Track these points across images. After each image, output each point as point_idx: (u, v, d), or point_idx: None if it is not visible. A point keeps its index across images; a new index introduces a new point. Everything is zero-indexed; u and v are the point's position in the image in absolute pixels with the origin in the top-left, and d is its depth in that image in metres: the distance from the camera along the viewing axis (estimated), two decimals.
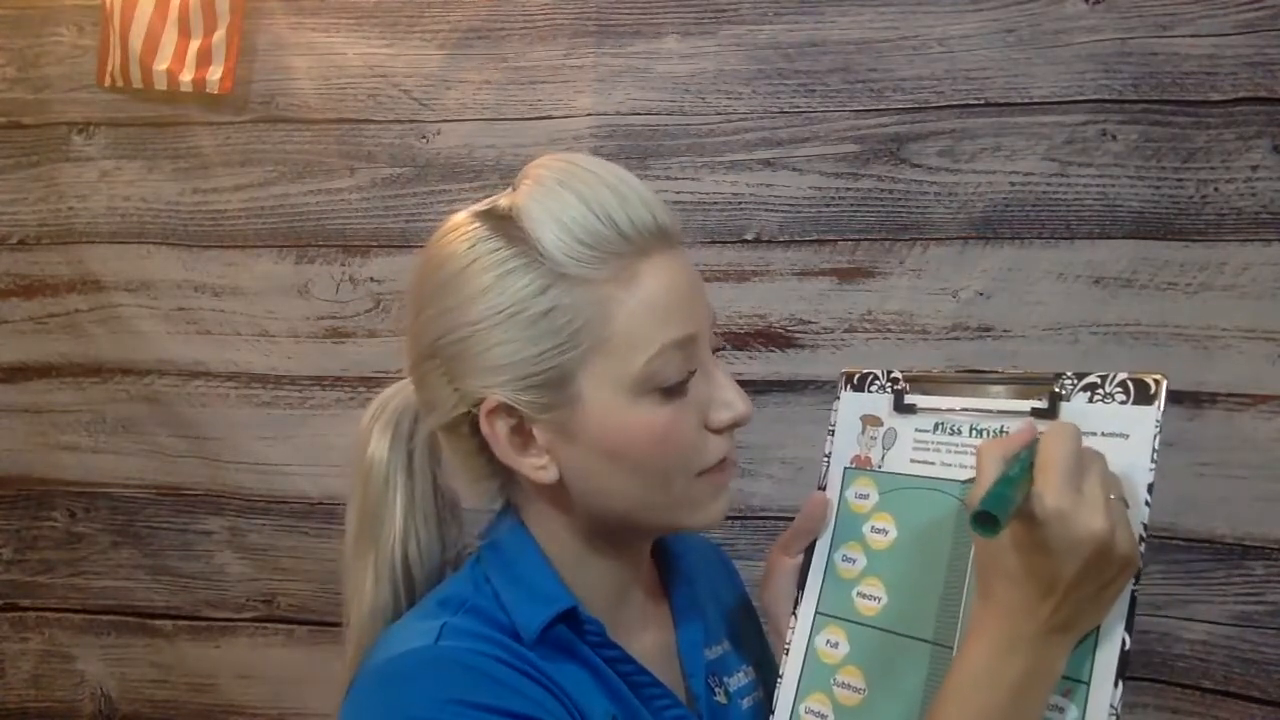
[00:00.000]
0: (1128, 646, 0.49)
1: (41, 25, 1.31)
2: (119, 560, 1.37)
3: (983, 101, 1.12)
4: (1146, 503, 0.50)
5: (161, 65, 1.26)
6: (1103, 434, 0.51)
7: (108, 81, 1.28)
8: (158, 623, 1.37)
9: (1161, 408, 0.51)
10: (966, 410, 0.59)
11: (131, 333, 1.32)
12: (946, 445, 0.60)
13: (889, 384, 0.63)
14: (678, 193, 1.18)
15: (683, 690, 0.65)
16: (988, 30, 1.11)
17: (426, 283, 0.60)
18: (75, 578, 1.38)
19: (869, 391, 0.65)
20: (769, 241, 1.17)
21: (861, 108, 1.14)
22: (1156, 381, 0.51)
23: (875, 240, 1.15)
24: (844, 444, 0.65)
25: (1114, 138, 1.09)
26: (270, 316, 1.29)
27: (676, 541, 0.73)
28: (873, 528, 0.62)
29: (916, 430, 0.61)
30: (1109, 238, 1.10)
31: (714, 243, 1.18)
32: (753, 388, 1.19)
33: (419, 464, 0.65)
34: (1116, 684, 0.49)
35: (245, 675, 1.36)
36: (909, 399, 0.62)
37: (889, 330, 1.16)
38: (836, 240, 1.16)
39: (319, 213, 1.27)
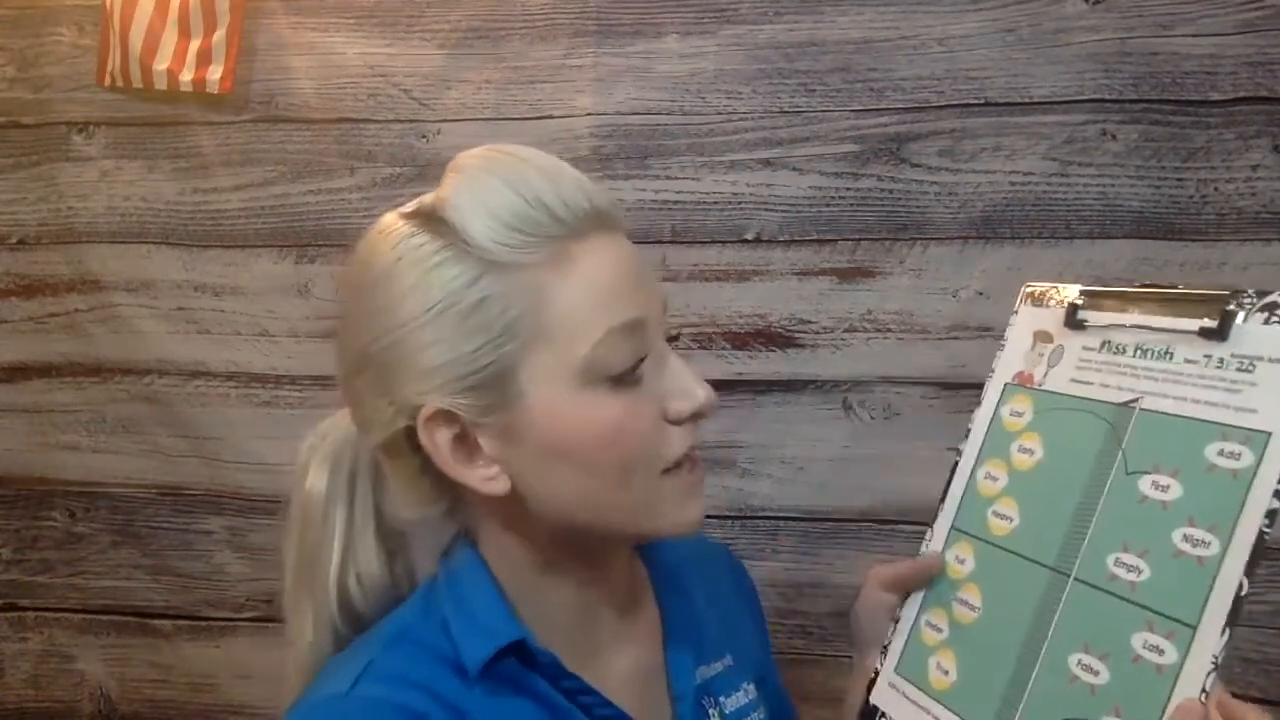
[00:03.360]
0: (1244, 591, 0.46)
1: (41, 25, 1.31)
2: (119, 560, 1.37)
3: (983, 101, 1.12)
4: None
5: (161, 65, 1.26)
6: (1269, 359, 0.49)
7: (108, 81, 1.28)
8: (157, 623, 1.37)
9: None
10: (1136, 327, 0.56)
11: (131, 333, 1.32)
12: (1108, 365, 0.57)
13: (1065, 298, 0.62)
14: (678, 193, 1.18)
15: (668, 714, 0.62)
16: (988, 30, 1.11)
17: (350, 289, 0.57)
18: (75, 578, 1.38)
19: (1047, 306, 0.63)
20: (769, 241, 1.17)
21: (861, 108, 1.14)
22: None
23: (875, 240, 1.15)
24: (1011, 359, 0.64)
25: (1114, 138, 1.10)
26: (270, 316, 1.29)
27: (675, 548, 0.68)
28: (1020, 447, 0.61)
29: (1083, 348, 0.59)
30: (1109, 238, 1.10)
31: (714, 243, 1.18)
32: (753, 388, 1.19)
33: (360, 496, 0.62)
34: (1224, 632, 0.46)
35: (245, 675, 1.36)
36: (1081, 314, 0.60)
37: (889, 330, 1.16)
38: (836, 240, 1.16)
39: (319, 213, 1.27)
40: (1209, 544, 0.48)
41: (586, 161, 1.19)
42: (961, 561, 0.61)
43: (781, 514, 1.21)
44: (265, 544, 1.33)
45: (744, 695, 0.67)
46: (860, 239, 1.16)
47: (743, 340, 1.19)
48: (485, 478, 0.54)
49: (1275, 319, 0.49)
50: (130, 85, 1.27)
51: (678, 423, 0.56)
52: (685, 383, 0.56)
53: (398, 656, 0.56)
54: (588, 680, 0.58)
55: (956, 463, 0.64)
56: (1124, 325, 0.57)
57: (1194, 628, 0.47)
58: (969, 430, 0.65)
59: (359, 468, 0.62)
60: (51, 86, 1.31)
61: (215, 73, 1.24)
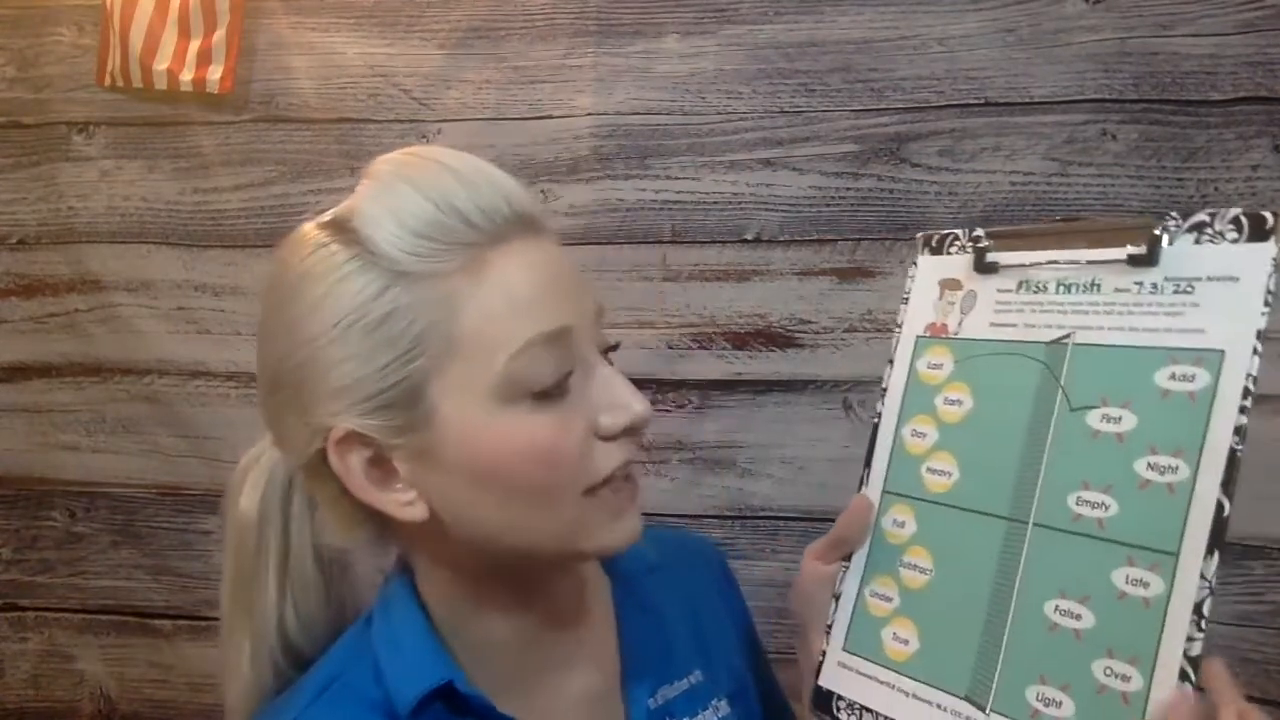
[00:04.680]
0: (1226, 512, 0.46)
1: (41, 25, 1.31)
2: (119, 560, 1.37)
3: (983, 101, 1.12)
4: (1256, 351, 0.46)
5: (161, 65, 1.26)
6: (1208, 278, 0.47)
7: (108, 81, 1.28)
8: (157, 622, 1.37)
9: (1279, 244, 0.46)
10: (1054, 264, 0.53)
11: (131, 333, 1.32)
12: (1030, 305, 0.54)
13: (970, 243, 0.59)
14: (678, 193, 1.18)
15: None
16: (988, 30, 1.11)
17: (264, 303, 0.54)
18: (75, 578, 1.38)
19: (948, 253, 0.60)
20: (769, 241, 1.17)
21: (861, 108, 1.14)
22: (1276, 215, 0.46)
23: (875, 240, 1.15)
24: (918, 311, 0.60)
25: (1114, 137, 1.09)
26: None
27: (642, 554, 0.62)
28: (945, 399, 0.57)
29: (998, 291, 0.56)
30: None
31: (714, 243, 1.18)
32: (753, 388, 1.19)
33: (296, 519, 0.59)
34: (1210, 554, 0.45)
35: None
36: (991, 257, 0.57)
37: (889, 330, 1.16)
38: (836, 240, 1.16)
39: (319, 213, 1.27)
40: (1176, 469, 0.47)
41: (586, 161, 1.19)
42: (900, 525, 0.57)
43: (781, 514, 1.21)
44: None
45: (712, 713, 0.63)
46: (860, 239, 1.16)
47: (743, 340, 1.19)
48: (401, 503, 0.51)
49: (1206, 238, 0.48)
50: (130, 85, 1.27)
51: (610, 438, 0.51)
52: (617, 393, 0.51)
53: (323, 710, 0.53)
54: (531, 715, 0.55)
55: (876, 424, 0.61)
56: (1041, 263, 0.54)
57: (1176, 555, 0.46)
58: (883, 390, 0.61)
59: (294, 488, 0.59)
60: (51, 86, 1.31)
61: (215, 73, 1.24)
